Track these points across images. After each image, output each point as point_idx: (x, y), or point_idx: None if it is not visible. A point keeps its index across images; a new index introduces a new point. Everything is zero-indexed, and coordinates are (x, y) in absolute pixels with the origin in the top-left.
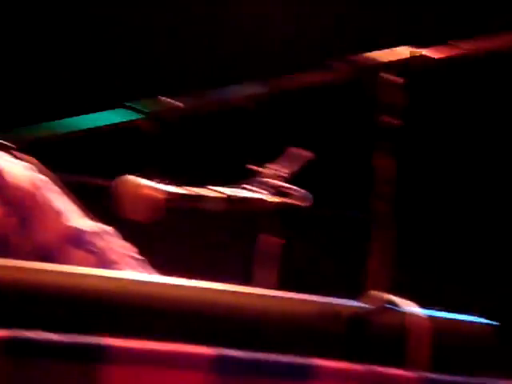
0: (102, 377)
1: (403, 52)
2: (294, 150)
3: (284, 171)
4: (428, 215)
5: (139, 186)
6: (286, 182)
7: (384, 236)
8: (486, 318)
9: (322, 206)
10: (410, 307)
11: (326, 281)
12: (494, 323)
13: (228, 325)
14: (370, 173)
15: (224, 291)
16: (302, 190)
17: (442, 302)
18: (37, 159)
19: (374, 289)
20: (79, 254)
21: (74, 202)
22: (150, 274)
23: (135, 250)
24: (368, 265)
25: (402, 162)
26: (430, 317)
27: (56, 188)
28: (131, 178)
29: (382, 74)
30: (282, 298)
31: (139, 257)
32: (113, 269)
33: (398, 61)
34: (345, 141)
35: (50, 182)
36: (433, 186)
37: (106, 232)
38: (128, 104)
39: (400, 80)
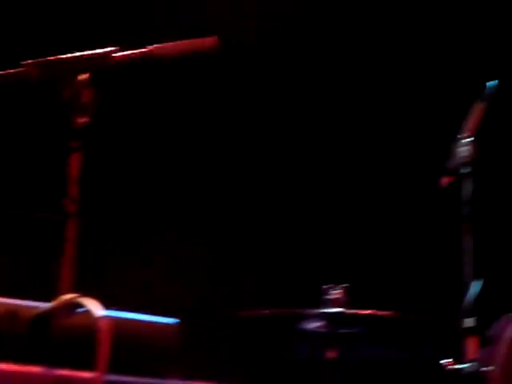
0: None
1: (98, 53)
2: None
3: None
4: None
5: None
6: None
7: (74, 237)
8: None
9: (15, 207)
10: (95, 309)
11: (15, 282)
12: (177, 322)
13: None
14: (63, 174)
15: None
16: None
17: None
18: None
19: (64, 291)
20: None
21: None
22: None
23: None
24: (58, 267)
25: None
26: (114, 318)
27: None
28: None
29: (76, 75)
30: None
31: None
32: None
33: (92, 62)
34: (41, 142)
35: None
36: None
37: None
38: None
39: (91, 81)
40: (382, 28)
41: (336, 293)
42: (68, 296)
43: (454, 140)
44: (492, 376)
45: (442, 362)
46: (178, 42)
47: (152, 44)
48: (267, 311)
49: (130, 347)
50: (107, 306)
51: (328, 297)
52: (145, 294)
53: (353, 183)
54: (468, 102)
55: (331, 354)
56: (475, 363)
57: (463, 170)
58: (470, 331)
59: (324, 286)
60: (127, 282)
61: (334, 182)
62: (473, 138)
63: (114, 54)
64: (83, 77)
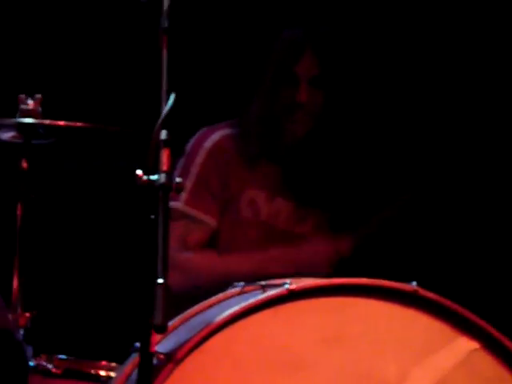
0: None
1: None
2: None
3: None
4: None
5: None
6: None
7: None
8: None
9: None
10: None
11: None
12: None
13: None
14: None
15: None
16: None
17: None
18: None
19: None
20: None
21: None
22: None
23: None
24: None
25: None
26: None
27: None
28: None
29: None
30: None
31: None
32: None
33: None
34: None
35: None
36: None
37: None
38: None
39: None
40: None
41: (31, 102)
42: None
43: None
44: (183, 185)
45: (137, 172)
46: None
47: None
48: None
49: None
50: None
51: (22, 107)
52: None
53: None
54: None
55: (24, 165)
56: (168, 174)
57: None
58: (164, 144)
59: (20, 96)
60: None
61: None
62: None
63: None
64: None
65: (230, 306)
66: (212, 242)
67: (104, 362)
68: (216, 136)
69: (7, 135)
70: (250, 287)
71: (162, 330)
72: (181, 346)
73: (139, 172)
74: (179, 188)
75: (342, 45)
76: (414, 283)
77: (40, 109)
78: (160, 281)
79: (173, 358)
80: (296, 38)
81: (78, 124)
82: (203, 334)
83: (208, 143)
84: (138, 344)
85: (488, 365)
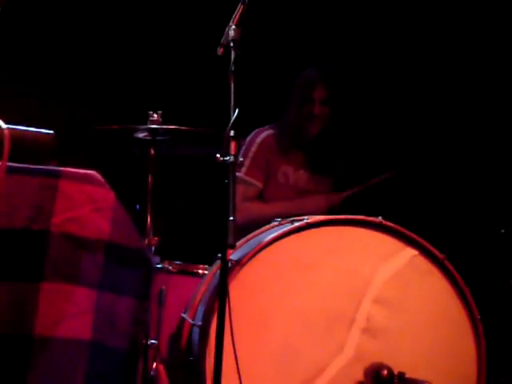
0: None
1: None
2: None
3: None
4: None
5: None
6: None
7: None
8: None
9: None
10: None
11: None
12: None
13: None
14: None
15: None
16: None
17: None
18: None
19: None
20: None
21: None
22: None
23: None
24: None
25: None
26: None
27: None
28: None
29: None
30: None
31: None
32: None
33: None
34: None
35: None
36: None
37: None
38: None
39: None
40: None
41: (156, 115)
42: None
43: (227, 25)
44: (243, 163)
45: (217, 155)
46: None
47: None
48: (115, 126)
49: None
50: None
51: (151, 118)
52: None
53: None
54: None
55: (152, 152)
56: (235, 156)
57: (231, 44)
58: (232, 138)
59: (149, 112)
60: None
61: None
62: (235, 25)
63: None
64: None
65: (272, 233)
66: (260, 198)
67: (201, 265)
68: (263, 135)
69: (142, 134)
70: (284, 221)
71: (233, 247)
72: (244, 256)
73: (218, 155)
74: (240, 164)
75: (340, 80)
76: (380, 217)
77: (160, 119)
78: (231, 218)
79: (240, 263)
80: (312, 76)
81: (184, 128)
82: (257, 249)
83: (259, 139)
84: (219, 255)
85: (422, 263)
